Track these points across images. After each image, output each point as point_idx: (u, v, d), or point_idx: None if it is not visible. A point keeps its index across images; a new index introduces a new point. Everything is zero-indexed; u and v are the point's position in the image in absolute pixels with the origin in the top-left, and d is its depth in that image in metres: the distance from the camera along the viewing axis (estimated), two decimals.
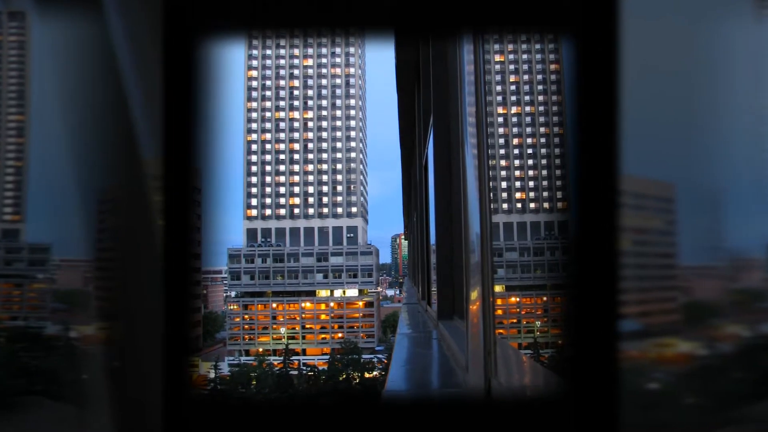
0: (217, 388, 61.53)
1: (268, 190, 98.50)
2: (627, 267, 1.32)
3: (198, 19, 1.54)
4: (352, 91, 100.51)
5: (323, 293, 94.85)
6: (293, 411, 1.70)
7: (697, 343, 1.31)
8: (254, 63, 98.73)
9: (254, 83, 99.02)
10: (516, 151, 2.61)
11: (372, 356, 74.63)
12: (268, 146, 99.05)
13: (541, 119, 2.35)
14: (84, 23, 1.80)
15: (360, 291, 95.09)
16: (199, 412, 1.64)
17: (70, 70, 1.87)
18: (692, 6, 1.29)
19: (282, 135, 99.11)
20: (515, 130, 2.62)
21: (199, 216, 1.68)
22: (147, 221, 1.74)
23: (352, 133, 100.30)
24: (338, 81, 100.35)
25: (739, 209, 1.22)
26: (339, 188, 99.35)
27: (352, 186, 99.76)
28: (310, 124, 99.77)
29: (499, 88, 2.66)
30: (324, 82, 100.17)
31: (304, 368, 69.13)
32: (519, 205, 2.58)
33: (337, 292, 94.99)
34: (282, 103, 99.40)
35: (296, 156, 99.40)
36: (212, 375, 62.45)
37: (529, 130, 2.52)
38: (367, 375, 68.29)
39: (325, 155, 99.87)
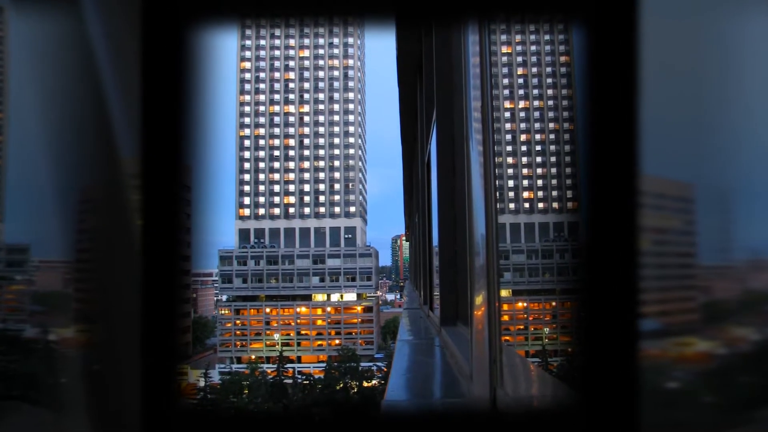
0: (207, 397, 61.62)
1: (261, 188, 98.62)
2: (646, 268, 1.31)
3: (185, 5, 1.53)
4: (350, 83, 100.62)
5: (320, 297, 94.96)
6: (287, 422, 1.69)
7: (717, 343, 1.30)
8: (247, 53, 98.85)
9: (247, 75, 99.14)
10: (524, 148, 2.60)
11: (371, 364, 74.73)
12: (261, 142, 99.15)
13: (551, 114, 2.35)
14: (62, 17, 1.80)
15: (358, 295, 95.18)
16: (187, 423, 1.63)
17: (48, 66, 1.87)
18: None
19: (276, 130, 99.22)
20: (523, 125, 2.62)
21: (188, 215, 1.67)
22: (129, 221, 1.73)
23: (351, 129, 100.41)
24: (336, 73, 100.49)
25: (760, 209, 1.22)
26: (336, 186, 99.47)
27: (350, 184, 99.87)
28: (307, 118, 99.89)
29: (506, 80, 2.66)
30: (321, 74, 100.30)
31: (299, 377, 69.20)
32: (527, 205, 2.58)
33: (335, 297, 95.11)
34: (276, 97, 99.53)
35: (291, 152, 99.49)
36: (202, 384, 62.56)
37: (537, 125, 2.51)
38: (365, 384, 68.40)
39: (321, 152, 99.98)
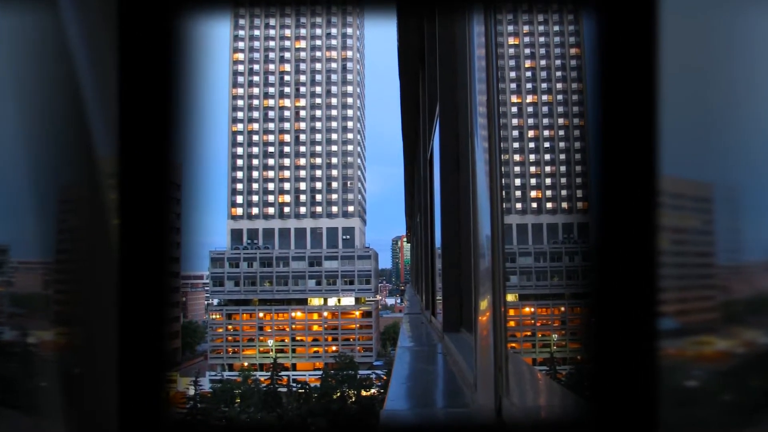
0: (197, 406, 61.64)
1: (255, 186, 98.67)
2: (664, 270, 1.30)
3: None
4: (349, 76, 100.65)
5: (316, 301, 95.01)
6: None
7: (736, 342, 1.30)
8: (240, 44, 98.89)
9: (240, 67, 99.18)
10: (531, 145, 2.60)
11: (370, 372, 74.82)
12: (255, 138, 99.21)
13: (560, 109, 2.35)
14: (39, 14, 1.80)
15: (357, 299, 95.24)
16: None
17: (25, 64, 1.87)
18: None
19: (271, 125, 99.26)
20: (531, 121, 2.61)
21: (177, 215, 1.67)
22: (109, 222, 1.73)
23: (349, 124, 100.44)
24: (334, 65, 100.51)
25: None
26: (334, 185, 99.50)
27: (348, 182, 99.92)
28: (303, 113, 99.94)
29: (513, 73, 2.65)
30: (318, 66, 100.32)
31: (294, 385, 69.27)
32: (534, 204, 2.58)
33: (332, 301, 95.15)
34: (271, 90, 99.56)
35: (287, 149, 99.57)
36: (192, 392, 62.59)
37: (546, 121, 2.51)
38: (364, 393, 68.42)
39: (318, 148, 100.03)
